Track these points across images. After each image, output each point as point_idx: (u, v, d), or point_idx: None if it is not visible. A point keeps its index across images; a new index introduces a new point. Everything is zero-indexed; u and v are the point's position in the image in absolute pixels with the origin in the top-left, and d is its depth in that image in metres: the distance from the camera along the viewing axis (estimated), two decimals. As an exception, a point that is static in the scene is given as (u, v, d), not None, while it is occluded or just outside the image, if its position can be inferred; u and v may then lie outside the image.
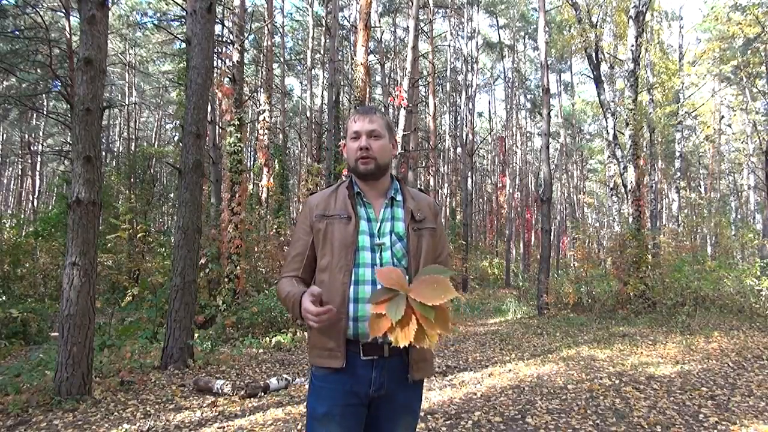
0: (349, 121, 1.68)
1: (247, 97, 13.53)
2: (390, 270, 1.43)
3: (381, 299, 1.34)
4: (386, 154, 1.63)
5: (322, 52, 21.19)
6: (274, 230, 14.73)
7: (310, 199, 1.67)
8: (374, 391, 1.52)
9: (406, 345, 1.30)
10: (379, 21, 18.76)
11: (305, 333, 7.97)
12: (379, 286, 1.40)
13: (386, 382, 1.53)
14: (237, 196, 9.79)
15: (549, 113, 12.45)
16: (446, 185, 27.55)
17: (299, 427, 3.79)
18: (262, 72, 20.33)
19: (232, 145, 9.95)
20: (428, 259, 1.61)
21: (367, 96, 11.55)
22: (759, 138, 16.99)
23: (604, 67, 14.36)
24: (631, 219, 11.26)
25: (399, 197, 1.65)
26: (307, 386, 4.98)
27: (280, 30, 24.40)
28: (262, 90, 18.88)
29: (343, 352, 1.50)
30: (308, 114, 22.38)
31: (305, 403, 4.44)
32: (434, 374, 5.58)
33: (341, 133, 13.07)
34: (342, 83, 17.76)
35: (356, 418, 1.53)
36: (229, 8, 13.29)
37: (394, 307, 1.31)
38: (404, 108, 11.99)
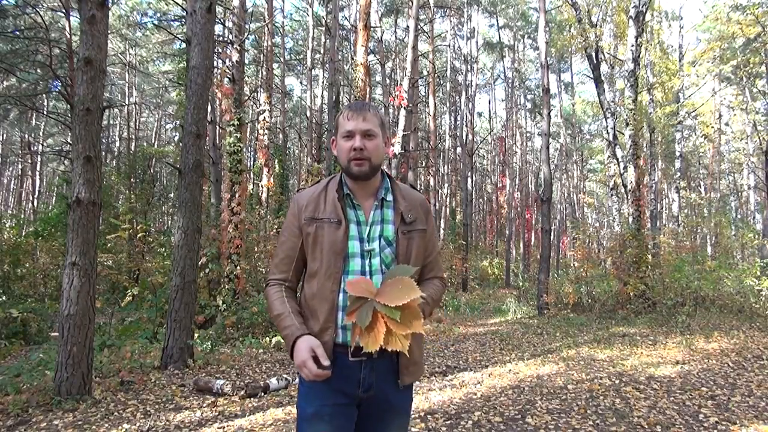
0: (340, 118, 1.59)
1: (247, 97, 13.52)
2: (358, 280, 1.44)
3: (353, 308, 1.37)
4: (380, 154, 1.57)
5: (322, 52, 21.19)
6: (274, 230, 14.73)
7: (299, 198, 1.60)
8: (363, 391, 1.51)
9: (376, 350, 1.33)
10: (380, 21, 18.76)
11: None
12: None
13: (375, 383, 1.52)
14: (237, 196, 9.78)
15: (549, 113, 12.45)
16: (446, 185, 27.55)
17: (299, 427, 3.79)
18: (262, 72, 20.33)
19: (232, 145, 9.95)
20: (418, 261, 1.59)
21: (368, 96, 11.54)
22: (759, 138, 16.98)
23: (604, 67, 14.35)
24: (631, 219, 11.25)
25: (389, 197, 1.61)
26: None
27: (280, 30, 24.40)
28: (262, 90, 18.88)
29: (330, 356, 1.48)
30: (308, 114, 22.38)
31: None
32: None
33: (340, 133, 13.01)
34: (342, 83, 17.76)
35: (346, 417, 1.52)
36: (229, 8, 13.29)
37: (363, 313, 1.34)
38: (404, 108, 11.99)
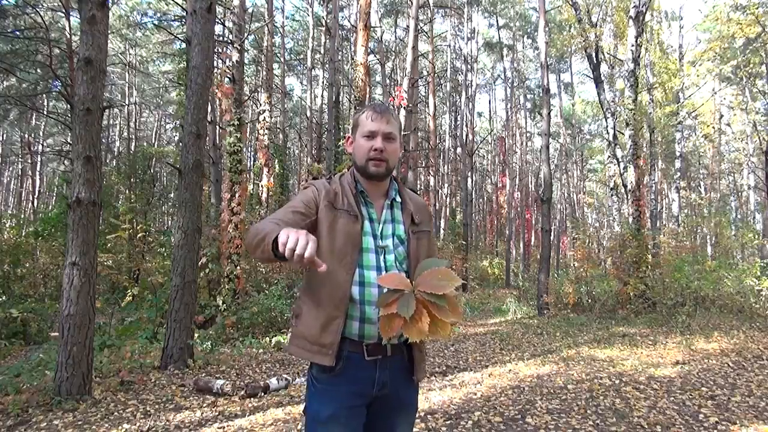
0: (361, 117, 1.61)
1: (247, 97, 13.53)
2: (391, 274, 1.46)
3: (389, 300, 1.37)
4: (396, 157, 1.62)
5: (322, 52, 21.21)
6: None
7: (317, 183, 1.60)
8: (378, 390, 1.53)
9: (422, 339, 1.33)
10: (380, 21, 18.77)
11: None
12: (384, 290, 1.43)
13: (389, 382, 1.54)
14: (237, 196, 9.78)
15: (549, 113, 12.45)
16: (446, 185, 27.57)
17: (299, 426, 3.79)
18: (262, 72, 20.32)
19: (232, 145, 9.95)
20: None
21: (367, 96, 11.55)
22: (759, 138, 16.98)
23: (604, 67, 14.34)
24: (631, 219, 11.25)
25: (398, 198, 1.64)
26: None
27: (280, 30, 24.40)
28: (262, 90, 18.87)
29: (335, 351, 1.47)
30: (308, 114, 22.39)
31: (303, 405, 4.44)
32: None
33: (341, 133, 13.07)
34: (342, 83, 17.76)
35: (359, 418, 1.53)
36: (229, 8, 13.29)
37: (404, 304, 1.34)
38: (404, 108, 11.99)
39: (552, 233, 20.12)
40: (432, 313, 1.34)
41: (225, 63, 10.90)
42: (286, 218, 1.45)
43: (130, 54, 26.01)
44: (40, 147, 25.39)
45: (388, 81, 22.48)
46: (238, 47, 10.70)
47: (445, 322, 1.34)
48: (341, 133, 13.12)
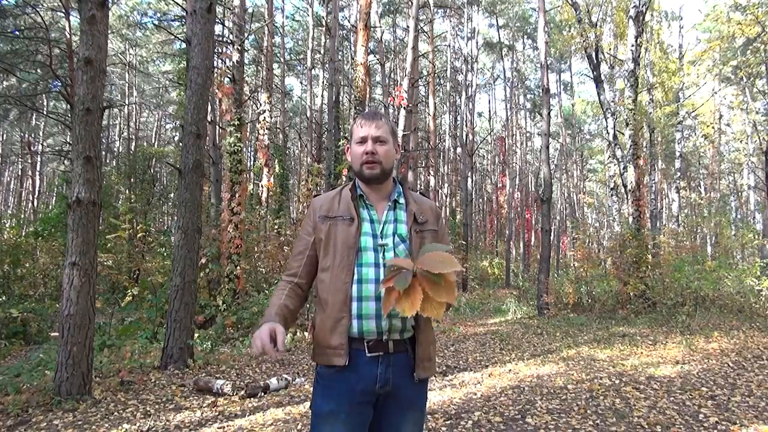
0: (353, 126, 1.70)
1: (247, 97, 13.52)
2: (398, 258, 1.52)
3: (389, 276, 1.42)
4: (391, 158, 1.66)
5: (322, 52, 21.19)
6: (274, 230, 14.74)
7: (315, 201, 1.71)
8: (380, 387, 1.54)
9: (412, 314, 1.36)
10: (379, 21, 18.76)
11: (305, 333, 7.98)
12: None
13: (391, 378, 1.55)
14: (237, 196, 9.78)
15: (549, 113, 12.45)
16: (446, 185, 27.54)
17: (299, 427, 3.79)
18: (262, 72, 20.33)
19: (232, 145, 9.95)
20: None
21: (367, 96, 11.56)
22: (759, 138, 16.98)
23: (604, 67, 14.35)
24: (631, 219, 11.26)
25: (402, 200, 1.68)
26: (307, 386, 4.99)
27: (280, 30, 24.40)
28: (262, 90, 18.87)
29: (346, 350, 1.53)
30: (308, 114, 22.38)
31: (305, 403, 4.44)
32: (435, 374, 5.59)
33: (341, 133, 13.07)
34: (342, 83, 17.75)
35: (362, 416, 1.55)
36: (229, 8, 13.30)
37: (401, 279, 1.38)
38: (404, 108, 12.00)
39: (552, 233, 20.12)
40: (426, 291, 1.37)
41: (225, 63, 10.91)
42: (295, 267, 1.66)
43: (130, 54, 26.01)
44: (40, 147, 25.40)
45: (388, 81, 22.48)
46: (238, 47, 10.69)
47: (438, 302, 1.38)
48: (341, 133, 13.12)
